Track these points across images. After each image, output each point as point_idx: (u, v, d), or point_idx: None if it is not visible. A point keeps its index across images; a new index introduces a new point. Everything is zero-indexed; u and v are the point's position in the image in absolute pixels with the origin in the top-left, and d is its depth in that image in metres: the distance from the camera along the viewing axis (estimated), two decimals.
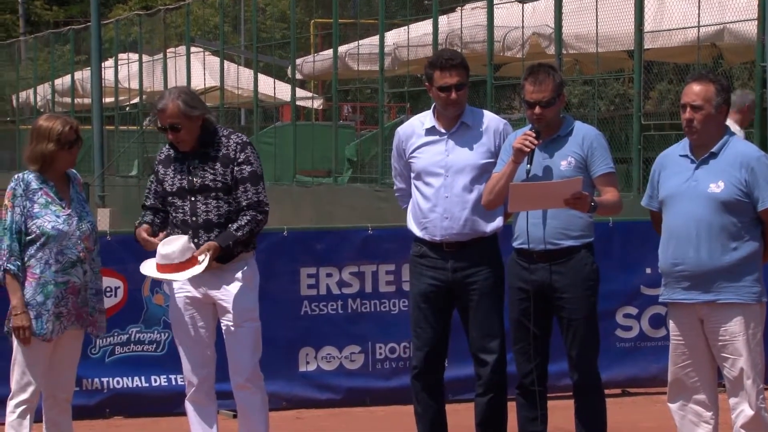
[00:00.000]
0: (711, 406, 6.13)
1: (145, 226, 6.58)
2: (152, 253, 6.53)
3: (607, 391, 8.94)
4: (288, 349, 8.66)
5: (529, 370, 6.51)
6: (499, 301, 6.69)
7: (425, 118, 6.76)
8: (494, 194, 6.46)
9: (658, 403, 8.60)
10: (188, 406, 6.74)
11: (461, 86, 6.60)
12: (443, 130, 6.70)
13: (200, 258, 6.41)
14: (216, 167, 6.55)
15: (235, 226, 6.51)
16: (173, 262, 6.37)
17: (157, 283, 8.48)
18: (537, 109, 6.39)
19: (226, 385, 6.88)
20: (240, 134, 6.71)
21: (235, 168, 6.54)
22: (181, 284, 6.63)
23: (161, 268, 6.42)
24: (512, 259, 6.59)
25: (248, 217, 6.52)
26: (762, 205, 5.96)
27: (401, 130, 6.83)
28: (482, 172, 6.62)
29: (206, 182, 6.54)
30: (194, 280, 6.59)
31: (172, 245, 6.40)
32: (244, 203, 6.54)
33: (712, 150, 6.06)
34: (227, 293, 6.57)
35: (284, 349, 8.61)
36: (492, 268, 6.66)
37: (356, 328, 8.77)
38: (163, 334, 8.50)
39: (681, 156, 6.16)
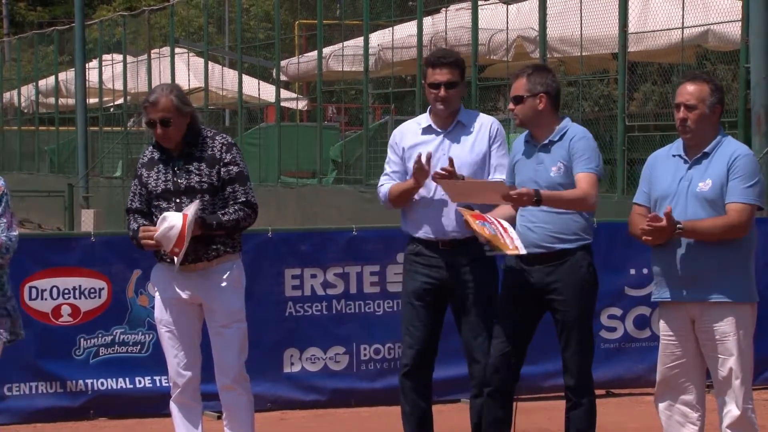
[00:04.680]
0: (698, 407, 6.12)
1: (145, 226, 6.50)
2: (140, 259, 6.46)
3: None
4: (273, 350, 8.64)
5: (503, 370, 6.48)
6: (492, 301, 6.67)
7: (422, 119, 6.82)
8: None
9: (642, 404, 8.61)
10: (173, 407, 6.70)
11: (451, 84, 6.63)
12: (439, 129, 6.72)
13: (188, 212, 6.34)
14: (201, 168, 6.52)
15: (222, 211, 6.48)
16: (176, 228, 6.29)
17: (141, 284, 8.45)
18: (510, 105, 6.47)
19: (210, 386, 6.86)
20: (225, 135, 6.68)
21: (222, 169, 6.51)
22: (167, 285, 6.59)
23: (177, 245, 6.33)
24: (508, 259, 6.58)
25: (236, 207, 6.50)
26: (729, 198, 5.95)
27: (397, 130, 6.88)
28: (478, 170, 6.63)
29: (192, 183, 6.50)
30: (180, 282, 6.54)
31: (167, 220, 6.34)
32: (231, 201, 6.52)
33: (705, 150, 6.05)
34: (214, 294, 6.53)
35: (269, 351, 8.58)
36: (486, 267, 6.66)
37: (341, 329, 8.75)
38: (147, 336, 8.47)
39: (674, 156, 6.15)
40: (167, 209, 6.49)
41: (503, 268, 6.62)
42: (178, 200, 6.50)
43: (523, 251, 6.22)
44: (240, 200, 6.50)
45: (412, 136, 6.74)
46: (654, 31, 13.81)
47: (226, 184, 6.51)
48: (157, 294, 6.68)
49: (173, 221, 6.32)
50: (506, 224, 6.31)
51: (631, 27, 13.63)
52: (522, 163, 6.47)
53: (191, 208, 6.34)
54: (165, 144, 6.54)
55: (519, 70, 6.55)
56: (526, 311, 6.47)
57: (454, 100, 6.67)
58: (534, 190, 6.26)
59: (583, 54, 14.50)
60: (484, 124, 6.72)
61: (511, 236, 6.24)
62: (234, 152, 6.55)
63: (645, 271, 8.72)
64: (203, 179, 6.50)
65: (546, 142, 6.43)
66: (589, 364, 6.50)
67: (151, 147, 6.67)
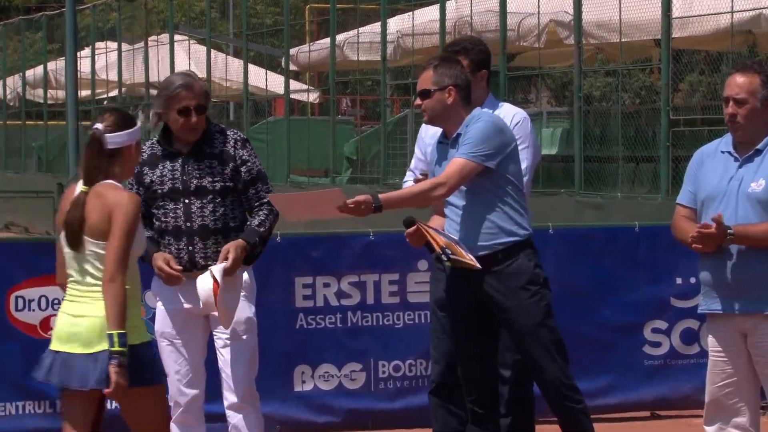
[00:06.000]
0: (752, 430, 6.08)
1: (167, 255, 6.45)
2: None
3: (634, 414, 8.99)
4: (282, 366, 8.62)
5: (482, 397, 6.44)
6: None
7: None
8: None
9: (691, 427, 8.57)
10: (174, 430, 6.69)
11: None
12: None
13: (215, 269, 6.32)
14: (214, 165, 6.50)
15: (255, 221, 6.49)
16: (210, 300, 6.30)
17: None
18: (417, 100, 6.45)
19: (214, 406, 6.84)
20: (235, 130, 6.68)
21: (242, 168, 6.51)
22: (171, 295, 6.56)
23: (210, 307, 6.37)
24: (437, 273, 6.56)
25: (265, 212, 6.51)
26: None
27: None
28: None
29: (203, 183, 6.48)
30: (186, 291, 6.50)
31: (201, 287, 6.33)
32: (256, 203, 6.51)
33: (757, 147, 6.01)
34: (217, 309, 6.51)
35: (278, 367, 8.56)
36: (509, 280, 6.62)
37: (357, 344, 8.72)
38: None
39: (723, 152, 6.11)
40: (174, 211, 6.46)
41: (439, 281, 6.60)
42: (186, 201, 6.48)
43: (477, 265, 6.19)
44: (266, 201, 6.51)
45: (433, 128, 6.73)
46: (700, 15, 13.77)
47: (248, 185, 6.52)
48: (159, 304, 6.66)
49: (204, 296, 6.30)
50: (455, 237, 6.30)
51: (676, 11, 13.60)
52: (439, 169, 6.42)
53: (217, 274, 6.30)
54: (190, 137, 6.49)
55: (425, 63, 6.53)
56: (483, 323, 6.42)
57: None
58: (372, 195, 6.22)
59: (623, 40, 14.47)
60: (506, 117, 6.69)
61: (463, 248, 6.23)
62: (249, 149, 6.57)
63: (692, 280, 8.67)
64: (216, 178, 6.48)
65: (454, 136, 6.40)
66: (564, 371, 6.39)
67: (152, 141, 6.64)
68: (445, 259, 6.27)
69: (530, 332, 6.35)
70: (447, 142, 6.42)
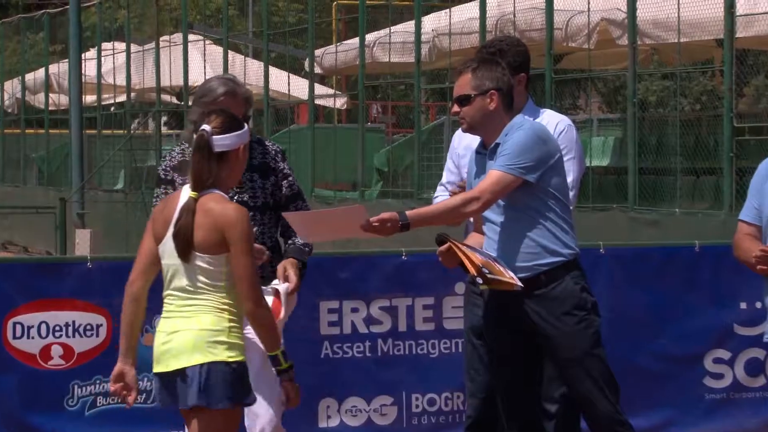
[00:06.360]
0: None
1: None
2: None
3: None
4: (306, 399, 8.58)
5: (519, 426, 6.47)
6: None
7: None
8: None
9: None
10: None
11: None
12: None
13: (281, 288, 6.36)
14: (254, 179, 6.54)
15: (300, 240, 6.54)
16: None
17: (147, 320, 8.45)
18: (455, 107, 6.44)
19: None
20: (272, 141, 6.74)
21: (283, 182, 6.59)
22: None
23: None
24: (473, 297, 6.58)
25: None
26: None
27: (458, 131, 6.86)
28: None
29: (243, 198, 6.51)
30: None
31: None
32: None
33: None
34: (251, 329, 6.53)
35: (301, 401, 8.52)
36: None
37: (388, 375, 8.74)
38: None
39: None
40: None
41: (475, 306, 6.63)
42: None
43: (519, 284, 6.19)
44: None
45: (469, 137, 6.73)
46: (767, 13, 13.75)
47: (289, 201, 6.59)
48: None
49: None
50: (492, 255, 6.30)
51: (740, 8, 13.59)
52: (476, 182, 6.40)
53: (282, 294, 6.36)
54: None
55: (462, 65, 6.51)
56: (526, 351, 6.43)
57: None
58: (399, 212, 6.22)
59: (682, 41, 14.46)
60: (549, 124, 6.70)
61: (502, 266, 6.22)
62: (287, 161, 6.62)
63: (758, 305, 8.64)
64: (257, 193, 6.53)
65: (493, 146, 6.38)
66: (614, 405, 6.38)
67: (182, 147, 6.64)
68: (480, 282, 6.27)
69: (577, 362, 6.34)
70: (485, 153, 6.42)
